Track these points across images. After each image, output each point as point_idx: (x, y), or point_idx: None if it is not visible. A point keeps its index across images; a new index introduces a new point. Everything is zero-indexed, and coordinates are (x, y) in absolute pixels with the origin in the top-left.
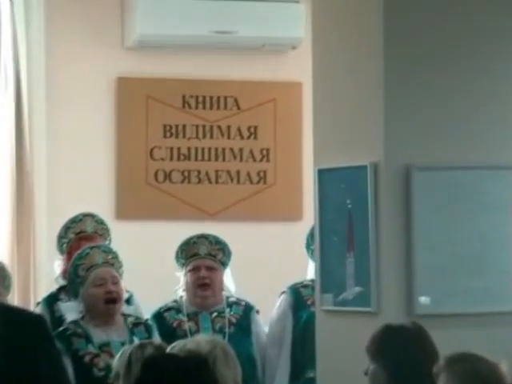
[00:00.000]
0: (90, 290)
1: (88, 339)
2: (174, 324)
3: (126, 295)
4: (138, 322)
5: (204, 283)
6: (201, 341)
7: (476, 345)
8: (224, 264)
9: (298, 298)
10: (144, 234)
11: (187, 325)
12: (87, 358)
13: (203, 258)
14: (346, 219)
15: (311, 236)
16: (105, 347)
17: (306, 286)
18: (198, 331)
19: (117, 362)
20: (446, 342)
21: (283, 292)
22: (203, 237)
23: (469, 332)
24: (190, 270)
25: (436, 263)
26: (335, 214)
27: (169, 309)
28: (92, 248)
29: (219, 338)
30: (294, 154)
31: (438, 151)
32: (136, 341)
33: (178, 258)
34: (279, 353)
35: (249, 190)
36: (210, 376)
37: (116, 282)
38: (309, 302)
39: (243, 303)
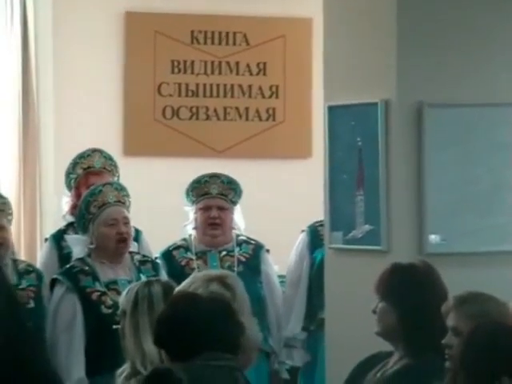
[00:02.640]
0: (101, 228)
1: (95, 277)
2: (183, 262)
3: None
4: (144, 260)
5: (215, 223)
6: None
7: (486, 284)
8: (235, 203)
9: (315, 237)
10: (151, 170)
11: (196, 263)
12: (94, 296)
13: (214, 198)
14: (356, 157)
15: None
16: (112, 285)
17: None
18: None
19: (123, 299)
20: (456, 281)
21: (303, 231)
22: (216, 176)
23: (479, 271)
24: (200, 209)
25: (447, 201)
26: (345, 151)
27: (178, 247)
28: (105, 185)
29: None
30: (304, 91)
31: (451, 88)
32: (143, 278)
33: (188, 195)
34: (296, 294)
35: (257, 127)
36: (234, 321)
37: (127, 223)
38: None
39: (253, 242)
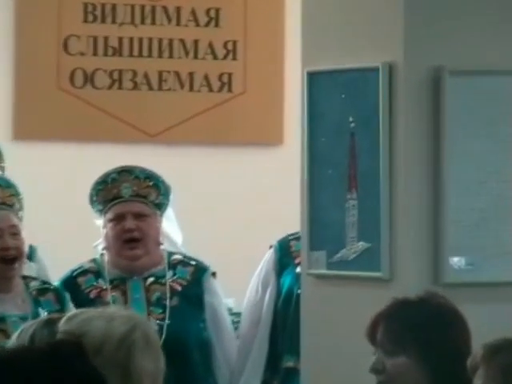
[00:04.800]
0: None
1: None
2: (92, 294)
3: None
4: (44, 288)
5: (131, 238)
6: (115, 316)
7: None
8: (160, 206)
9: (285, 255)
10: (53, 160)
11: (110, 295)
12: None
13: (128, 202)
14: (348, 144)
15: None
16: None
17: (299, 239)
18: (126, 303)
19: (14, 344)
20: (485, 322)
21: (271, 247)
22: (126, 171)
23: None
24: (110, 220)
25: (474, 209)
26: (331, 136)
27: (85, 272)
28: None
29: (137, 314)
30: (273, 50)
31: (477, 49)
32: (43, 314)
33: (92, 201)
34: (255, 334)
35: (207, 100)
36: (84, 367)
37: (16, 233)
38: (297, 261)
39: (193, 263)
